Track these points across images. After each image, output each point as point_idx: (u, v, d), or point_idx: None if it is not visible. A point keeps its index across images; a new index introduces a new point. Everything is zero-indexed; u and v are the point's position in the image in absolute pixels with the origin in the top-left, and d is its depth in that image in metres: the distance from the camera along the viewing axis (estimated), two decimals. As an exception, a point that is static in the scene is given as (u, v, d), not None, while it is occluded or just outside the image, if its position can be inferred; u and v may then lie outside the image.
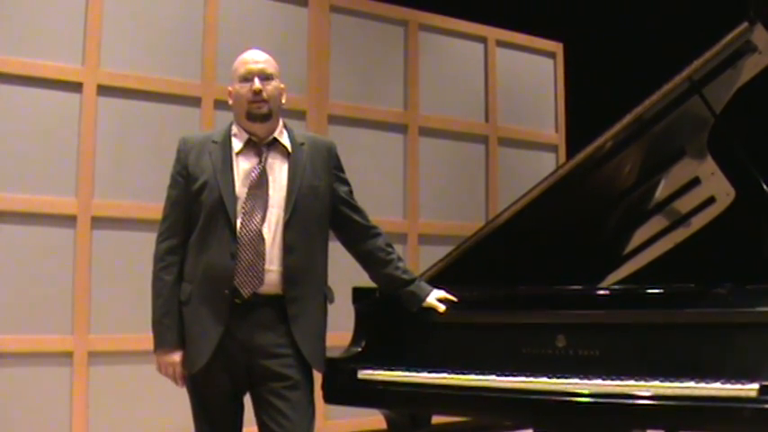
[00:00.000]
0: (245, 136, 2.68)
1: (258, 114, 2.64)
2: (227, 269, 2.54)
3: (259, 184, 2.62)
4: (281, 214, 2.61)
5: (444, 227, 5.47)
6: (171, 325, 2.61)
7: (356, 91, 5.26)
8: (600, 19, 6.46)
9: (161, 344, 2.63)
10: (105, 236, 4.31)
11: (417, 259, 5.24)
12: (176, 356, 2.62)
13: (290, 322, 2.58)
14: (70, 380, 4.15)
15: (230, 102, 2.72)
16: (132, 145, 4.43)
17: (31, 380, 4.06)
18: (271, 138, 2.69)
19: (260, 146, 2.67)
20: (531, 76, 6.12)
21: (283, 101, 2.73)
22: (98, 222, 4.29)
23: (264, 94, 2.63)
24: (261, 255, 2.56)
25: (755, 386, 2.22)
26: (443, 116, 5.59)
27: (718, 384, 2.28)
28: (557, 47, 6.25)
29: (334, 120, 5.11)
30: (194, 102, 4.61)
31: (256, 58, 2.69)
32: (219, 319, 2.54)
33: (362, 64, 5.31)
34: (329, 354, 2.81)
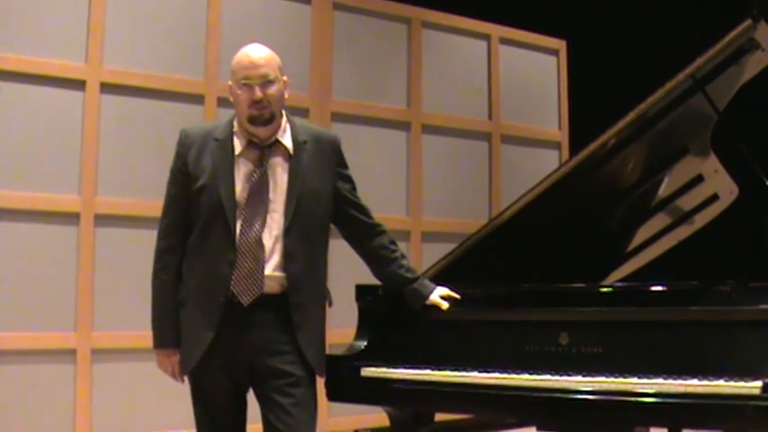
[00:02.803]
0: (247, 137, 2.63)
1: (261, 120, 2.58)
2: (224, 277, 2.52)
3: (259, 189, 2.58)
4: (282, 220, 2.58)
5: (447, 224, 5.47)
6: (170, 325, 2.62)
7: (359, 88, 5.26)
8: (603, 16, 6.46)
9: (160, 343, 2.65)
10: (108, 233, 4.32)
11: (420, 257, 5.24)
12: (175, 356, 2.64)
13: (294, 329, 2.57)
14: (74, 377, 4.16)
15: (231, 99, 2.66)
16: (135, 142, 4.43)
17: (34, 377, 4.07)
18: (273, 139, 2.64)
19: (261, 147, 2.62)
20: (535, 73, 6.12)
21: (286, 95, 2.67)
22: (101, 220, 4.30)
23: (266, 101, 2.56)
24: (260, 262, 2.53)
25: (759, 383, 2.21)
26: (446, 114, 5.59)
27: (721, 382, 2.28)
28: (560, 44, 6.25)
29: (337, 117, 5.11)
30: (197, 99, 4.62)
31: (256, 62, 2.56)
32: (210, 325, 2.52)
33: (365, 61, 5.31)
34: (333, 351, 2.80)
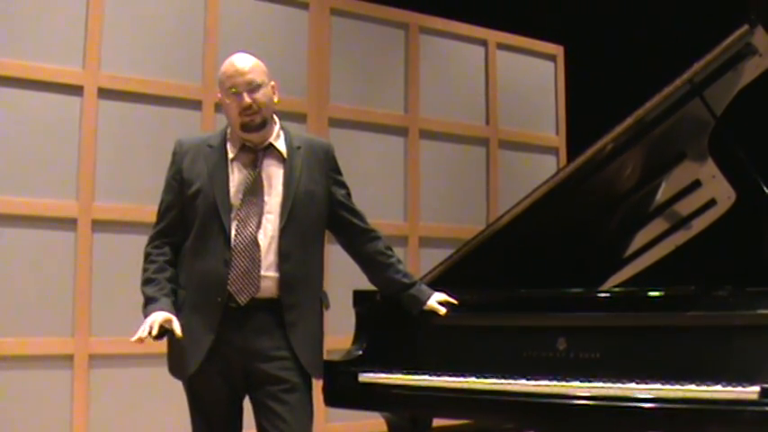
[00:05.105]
0: (240, 142, 2.65)
1: (252, 126, 2.60)
2: (221, 277, 2.53)
3: (254, 191, 2.59)
4: (277, 220, 2.59)
5: (445, 230, 5.47)
6: (164, 294, 2.55)
7: (357, 94, 5.25)
8: (600, 22, 6.47)
9: (152, 307, 2.53)
10: (106, 239, 4.31)
11: (418, 262, 5.24)
12: (164, 311, 2.50)
13: (287, 329, 2.57)
14: (71, 383, 4.15)
15: (222, 109, 2.69)
16: (133, 148, 4.43)
17: (31, 383, 4.06)
18: (266, 143, 2.66)
19: (255, 151, 2.64)
20: (532, 78, 6.12)
21: (276, 100, 2.68)
22: (99, 225, 4.29)
23: (255, 106, 2.58)
24: (256, 262, 2.54)
25: (756, 389, 2.22)
26: (444, 119, 5.59)
27: (719, 387, 2.28)
28: (557, 49, 6.25)
29: (334, 123, 5.10)
30: (195, 105, 4.61)
31: (241, 69, 2.59)
32: (211, 327, 2.52)
33: (363, 67, 5.31)
34: (330, 357, 2.80)
